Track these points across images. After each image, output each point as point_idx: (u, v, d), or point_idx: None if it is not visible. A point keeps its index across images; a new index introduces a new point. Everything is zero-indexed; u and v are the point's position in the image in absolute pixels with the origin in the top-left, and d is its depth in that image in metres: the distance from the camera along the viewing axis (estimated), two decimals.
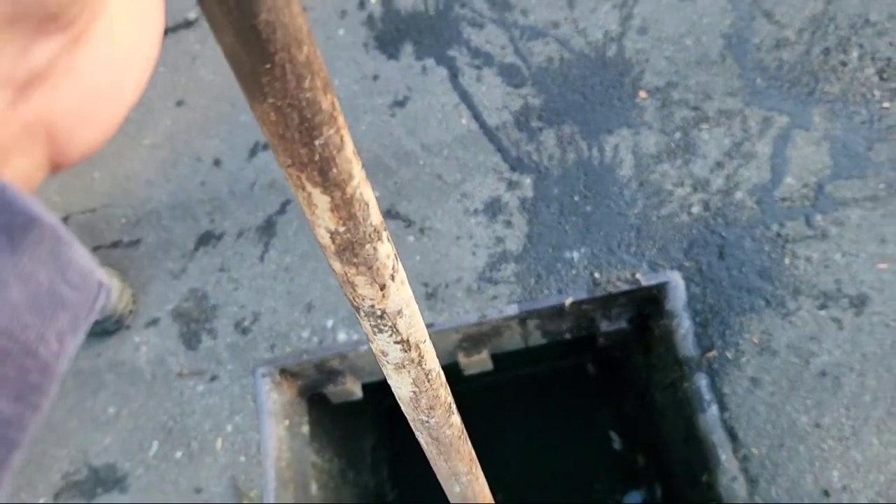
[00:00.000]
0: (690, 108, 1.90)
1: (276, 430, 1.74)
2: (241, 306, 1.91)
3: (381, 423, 2.71)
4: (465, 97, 2.08)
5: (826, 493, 1.43)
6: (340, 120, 0.32)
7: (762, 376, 1.56)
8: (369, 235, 0.37)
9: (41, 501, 1.78)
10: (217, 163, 2.16)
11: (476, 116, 2.04)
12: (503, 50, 2.13)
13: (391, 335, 0.44)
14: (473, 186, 1.94)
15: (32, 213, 0.21)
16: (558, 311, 1.76)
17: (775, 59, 1.92)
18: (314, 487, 1.85)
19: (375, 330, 0.44)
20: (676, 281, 1.68)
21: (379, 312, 0.42)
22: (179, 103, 2.30)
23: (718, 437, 1.53)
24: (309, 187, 0.33)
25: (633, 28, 2.07)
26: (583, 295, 1.72)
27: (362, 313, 0.42)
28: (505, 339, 1.86)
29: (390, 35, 2.25)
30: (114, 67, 0.25)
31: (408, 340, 0.45)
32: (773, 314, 1.61)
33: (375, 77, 2.19)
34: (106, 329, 1.91)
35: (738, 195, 1.76)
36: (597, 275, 1.74)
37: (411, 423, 0.56)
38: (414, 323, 0.45)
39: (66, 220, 2.18)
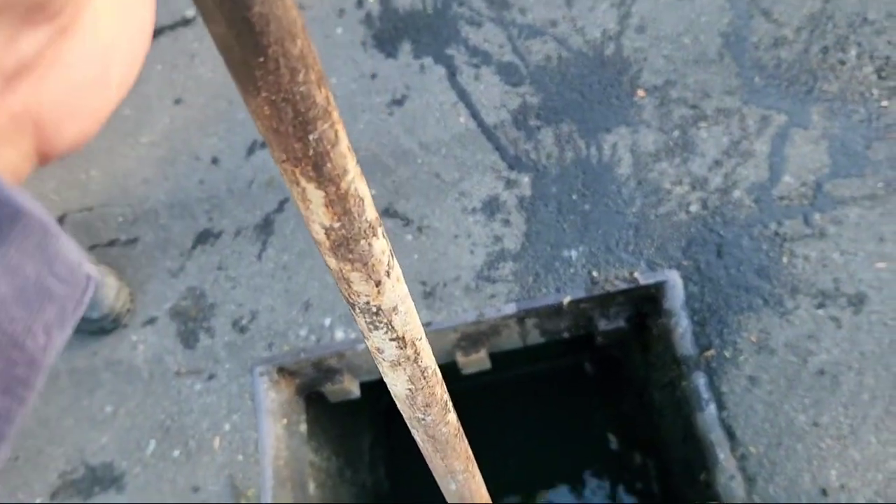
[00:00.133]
0: (689, 107, 1.90)
1: (274, 428, 1.73)
2: (238, 305, 1.91)
3: (378, 421, 2.71)
4: (463, 96, 2.08)
5: (824, 492, 1.43)
6: (335, 115, 0.32)
7: (760, 375, 1.56)
8: (364, 231, 0.37)
9: (38, 501, 1.77)
10: (215, 161, 2.16)
11: (474, 115, 2.04)
12: (501, 48, 2.13)
13: (386, 332, 0.44)
14: (471, 185, 1.93)
15: (19, 204, 0.21)
16: (556, 310, 1.76)
17: (773, 58, 1.92)
18: (312, 486, 1.85)
19: (371, 327, 0.44)
20: (675, 280, 1.68)
21: (374, 309, 0.42)
22: (177, 101, 2.29)
23: (716, 436, 1.52)
24: (303, 182, 0.33)
25: (631, 27, 2.07)
26: (581, 294, 1.71)
27: (357, 310, 0.42)
28: (503, 337, 1.86)
29: (388, 33, 2.25)
30: (97, 60, 0.25)
31: (403, 337, 0.45)
32: (771, 313, 1.61)
33: (373, 76, 2.18)
34: (103, 328, 1.90)
35: (737, 194, 1.76)
36: (595, 273, 1.74)
37: (407, 421, 0.56)
38: (409, 320, 0.45)
39: (62, 218, 2.18)
